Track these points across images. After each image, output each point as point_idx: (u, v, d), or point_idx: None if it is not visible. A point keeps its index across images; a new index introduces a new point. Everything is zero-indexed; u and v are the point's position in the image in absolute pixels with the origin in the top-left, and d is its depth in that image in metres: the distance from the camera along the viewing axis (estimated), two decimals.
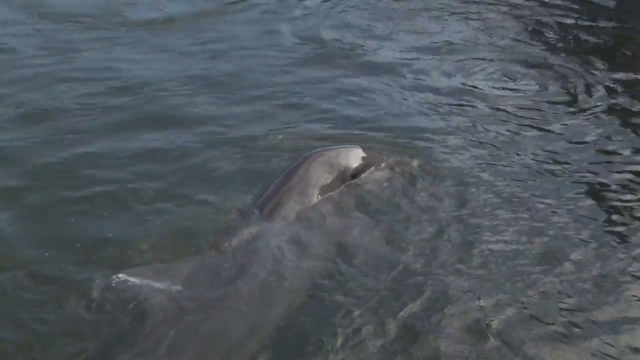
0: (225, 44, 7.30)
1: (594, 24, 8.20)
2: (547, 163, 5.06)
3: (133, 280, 3.24)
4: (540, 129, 5.63)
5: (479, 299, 3.61)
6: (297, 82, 6.40)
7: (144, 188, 4.53)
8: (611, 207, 4.54)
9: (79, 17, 7.87)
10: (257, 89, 6.19)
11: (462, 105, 6.03)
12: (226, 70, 6.67)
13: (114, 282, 3.30)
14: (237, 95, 6.09)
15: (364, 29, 7.83)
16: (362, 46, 7.35)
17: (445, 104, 5.97)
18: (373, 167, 4.14)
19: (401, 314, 3.43)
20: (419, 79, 6.53)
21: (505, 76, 6.63)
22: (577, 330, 3.48)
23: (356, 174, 4.05)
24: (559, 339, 3.42)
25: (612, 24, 8.23)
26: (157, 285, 3.26)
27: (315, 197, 3.79)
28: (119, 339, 3.25)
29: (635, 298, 3.72)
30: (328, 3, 8.62)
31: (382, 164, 4.23)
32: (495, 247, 4.02)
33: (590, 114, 5.90)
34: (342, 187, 3.95)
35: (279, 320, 3.26)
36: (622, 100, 6.18)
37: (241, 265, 3.39)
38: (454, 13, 8.42)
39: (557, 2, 8.79)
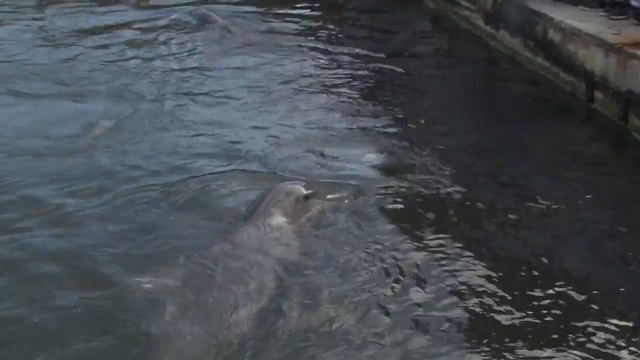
0: None
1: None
2: None
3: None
4: None
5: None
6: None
7: None
8: None
9: None
10: None
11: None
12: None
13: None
14: None
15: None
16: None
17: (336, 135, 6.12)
18: (316, 195, 4.90)
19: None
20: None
21: None
22: None
23: (306, 198, 4.83)
24: None
25: None
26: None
27: (277, 218, 4.63)
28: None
29: None
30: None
31: (321, 192, 4.97)
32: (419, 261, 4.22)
33: None
34: (297, 209, 4.75)
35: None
36: None
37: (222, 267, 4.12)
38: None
39: None
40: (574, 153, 5.77)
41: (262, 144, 5.77)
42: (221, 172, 5.32)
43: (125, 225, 4.54)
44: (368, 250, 4.25)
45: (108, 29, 9.20)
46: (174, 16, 9.67)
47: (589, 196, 4.91)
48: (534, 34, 7.38)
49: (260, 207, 4.66)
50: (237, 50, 8.26)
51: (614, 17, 6.77)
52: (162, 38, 8.75)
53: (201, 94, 6.91)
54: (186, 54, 8.15)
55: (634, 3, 6.72)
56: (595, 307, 3.71)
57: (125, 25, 9.36)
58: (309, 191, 4.86)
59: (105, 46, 8.44)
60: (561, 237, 4.44)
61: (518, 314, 3.65)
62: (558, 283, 3.92)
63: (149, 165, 5.37)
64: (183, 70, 7.60)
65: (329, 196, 4.95)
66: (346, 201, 4.93)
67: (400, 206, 4.82)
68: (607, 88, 6.17)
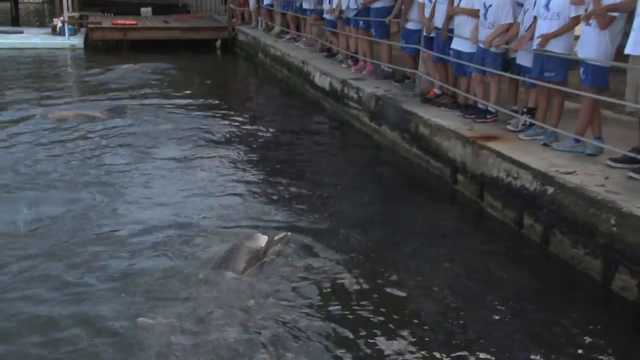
0: None
1: None
2: None
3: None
4: None
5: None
6: None
7: None
8: None
9: None
10: None
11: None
12: None
13: None
14: None
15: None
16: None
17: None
18: (275, 242, 5.04)
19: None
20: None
21: None
22: None
23: (267, 248, 4.92)
24: None
25: None
26: None
27: (245, 263, 4.71)
28: None
29: None
30: None
31: (277, 240, 5.10)
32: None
33: None
34: (262, 253, 4.88)
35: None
36: None
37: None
38: None
39: None
40: (441, 225, 5.92)
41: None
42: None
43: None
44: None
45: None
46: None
47: (450, 261, 5.06)
48: (409, 129, 7.62)
49: (230, 257, 4.68)
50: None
51: (467, 116, 7.13)
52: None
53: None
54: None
55: (480, 106, 7.13)
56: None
57: None
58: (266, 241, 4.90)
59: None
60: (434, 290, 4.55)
61: None
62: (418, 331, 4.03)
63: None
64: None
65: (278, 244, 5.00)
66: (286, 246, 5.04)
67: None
68: (466, 172, 6.41)
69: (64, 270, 4.64)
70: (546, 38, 5.95)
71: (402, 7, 8.81)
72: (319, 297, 4.44)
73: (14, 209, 5.75)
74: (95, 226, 5.48)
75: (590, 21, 5.46)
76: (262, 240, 4.92)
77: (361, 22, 9.98)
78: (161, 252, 4.99)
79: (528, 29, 6.34)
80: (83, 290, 4.38)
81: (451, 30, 7.50)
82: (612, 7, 5.36)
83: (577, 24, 5.83)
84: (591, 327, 4.13)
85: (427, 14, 8.03)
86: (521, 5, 6.63)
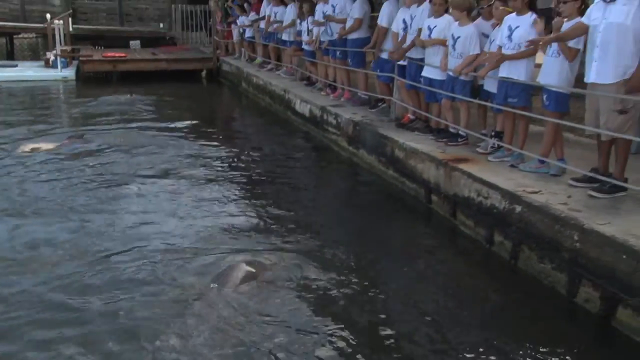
0: None
1: None
2: None
3: None
4: None
5: None
6: None
7: None
8: None
9: None
10: None
11: None
12: None
13: None
14: None
15: None
16: None
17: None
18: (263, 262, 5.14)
19: None
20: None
21: None
22: None
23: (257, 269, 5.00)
24: None
25: None
26: None
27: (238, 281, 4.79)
28: None
29: None
30: None
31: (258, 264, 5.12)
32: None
33: None
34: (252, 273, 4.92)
35: None
36: None
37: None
38: None
39: None
40: (417, 242, 6.00)
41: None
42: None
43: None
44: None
45: None
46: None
47: (426, 278, 5.12)
48: (385, 152, 7.71)
49: (225, 277, 4.75)
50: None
51: (439, 140, 7.23)
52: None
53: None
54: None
55: (452, 130, 7.26)
56: None
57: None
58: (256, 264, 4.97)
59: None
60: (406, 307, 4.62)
61: None
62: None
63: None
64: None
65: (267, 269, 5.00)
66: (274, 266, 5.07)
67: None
68: (440, 192, 6.49)
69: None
70: (504, 58, 6.16)
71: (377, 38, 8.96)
72: (307, 316, 4.43)
73: None
74: (77, 251, 5.45)
75: (558, 53, 5.61)
76: (250, 261, 4.94)
77: (338, 52, 10.11)
78: (150, 275, 4.97)
79: None
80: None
81: (422, 59, 7.63)
82: (560, 37, 5.53)
83: (533, 52, 5.98)
84: (557, 338, 4.18)
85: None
86: (487, 36, 6.78)
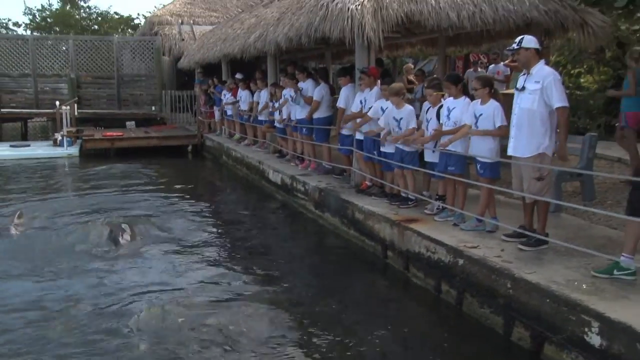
0: None
1: None
2: None
3: None
4: None
5: None
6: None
7: None
8: None
9: None
10: None
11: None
12: None
13: None
14: None
15: None
16: None
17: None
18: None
19: None
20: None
21: None
22: None
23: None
24: None
25: None
26: None
27: None
28: None
29: None
30: None
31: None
32: None
33: None
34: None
35: None
36: None
37: None
38: None
39: None
40: (376, 293, 6.01)
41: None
42: None
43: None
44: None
45: None
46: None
47: (383, 325, 5.08)
48: (347, 214, 7.76)
49: None
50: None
51: (393, 203, 7.34)
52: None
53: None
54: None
55: (403, 194, 7.37)
56: None
57: None
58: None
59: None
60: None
61: None
62: None
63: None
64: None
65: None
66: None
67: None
68: (394, 249, 6.54)
69: None
70: (442, 133, 6.45)
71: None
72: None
73: None
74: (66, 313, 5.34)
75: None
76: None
77: (304, 129, 10.33)
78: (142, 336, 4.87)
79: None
80: None
81: (378, 135, 7.82)
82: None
83: (464, 132, 6.22)
84: None
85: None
86: (417, 116, 7.24)
